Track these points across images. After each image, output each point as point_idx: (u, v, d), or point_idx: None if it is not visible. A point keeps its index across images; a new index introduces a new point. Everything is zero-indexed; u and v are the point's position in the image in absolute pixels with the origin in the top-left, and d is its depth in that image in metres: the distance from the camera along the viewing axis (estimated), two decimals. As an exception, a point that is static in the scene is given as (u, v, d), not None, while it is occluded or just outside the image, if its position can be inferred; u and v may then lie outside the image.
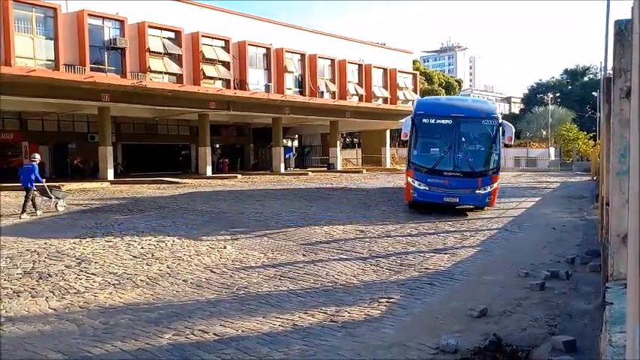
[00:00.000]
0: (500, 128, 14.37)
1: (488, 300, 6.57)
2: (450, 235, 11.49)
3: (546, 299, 6.64)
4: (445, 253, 9.51)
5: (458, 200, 14.37)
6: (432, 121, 14.66)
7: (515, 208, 16.79)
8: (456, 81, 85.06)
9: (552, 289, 7.05)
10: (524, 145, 56.83)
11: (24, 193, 14.90)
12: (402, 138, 15.40)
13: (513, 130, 14.91)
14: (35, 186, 15.02)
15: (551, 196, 21.17)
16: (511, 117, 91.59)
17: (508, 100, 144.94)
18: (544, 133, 64.40)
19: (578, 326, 5.48)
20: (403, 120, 15.70)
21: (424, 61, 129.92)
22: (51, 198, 15.72)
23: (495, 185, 14.56)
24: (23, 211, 14.47)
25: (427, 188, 14.26)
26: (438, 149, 14.73)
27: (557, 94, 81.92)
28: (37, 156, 16.42)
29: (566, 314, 5.92)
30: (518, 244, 10.74)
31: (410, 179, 14.67)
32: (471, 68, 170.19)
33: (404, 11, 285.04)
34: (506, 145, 14.77)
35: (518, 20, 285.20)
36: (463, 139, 14.61)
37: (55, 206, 15.53)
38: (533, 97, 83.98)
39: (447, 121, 14.54)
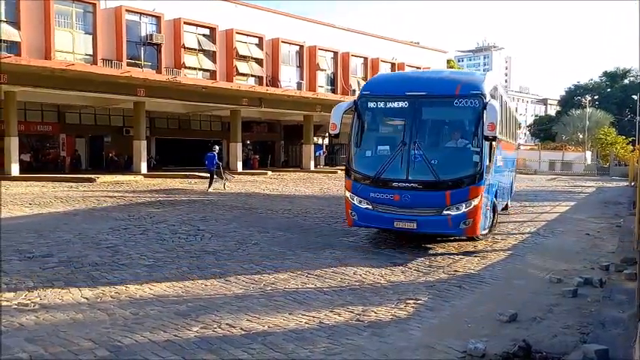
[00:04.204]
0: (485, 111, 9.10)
1: (518, 305, 6.45)
2: (480, 237, 11.31)
3: (579, 306, 6.49)
4: (475, 256, 9.38)
5: (415, 226, 9.32)
6: (381, 104, 9.93)
7: (548, 212, 16.45)
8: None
9: (585, 297, 6.88)
10: (559, 148, 55.67)
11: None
12: (330, 131, 10.02)
13: (498, 115, 9.03)
14: (214, 169, 20.49)
15: (587, 201, 20.68)
16: (547, 119, 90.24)
17: (544, 101, 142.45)
18: (580, 136, 63.07)
19: (611, 335, 5.34)
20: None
21: (459, 61, 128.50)
22: (222, 179, 20.68)
23: (477, 202, 9.19)
24: (210, 185, 20.37)
25: (370, 207, 9.61)
26: (388, 148, 9.97)
27: (596, 97, 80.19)
28: (217, 147, 21.95)
29: (599, 322, 5.76)
30: (550, 249, 10.51)
31: (348, 194, 10.00)
32: (506, 69, 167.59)
33: (439, 11, 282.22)
34: (486, 138, 9.04)
35: (557, 20, 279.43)
36: (425, 130, 9.75)
37: (224, 185, 20.70)
38: (571, 99, 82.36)
39: (401, 104, 9.69)
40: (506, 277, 8.04)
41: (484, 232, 10.40)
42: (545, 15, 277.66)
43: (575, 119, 65.30)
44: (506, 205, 15.17)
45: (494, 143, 9.69)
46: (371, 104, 9.95)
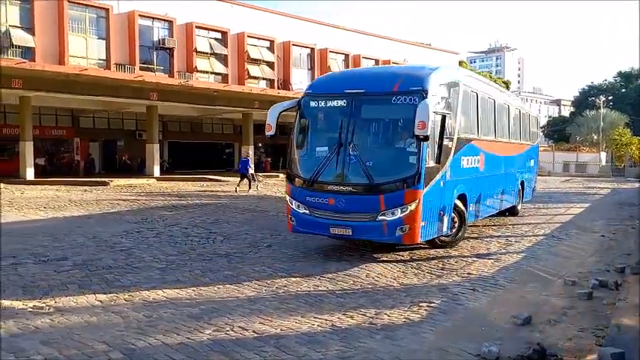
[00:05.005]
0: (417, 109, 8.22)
1: (532, 308, 6.40)
2: (493, 239, 11.25)
3: (594, 309, 6.43)
4: (489, 259, 9.32)
5: (350, 232, 8.85)
6: (322, 103, 9.42)
7: (563, 214, 16.30)
8: (504, 82, 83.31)
9: (600, 299, 6.81)
10: (573, 149, 55.16)
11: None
12: (266, 132, 9.72)
13: (429, 111, 7.97)
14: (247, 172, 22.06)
15: (601, 203, 20.47)
16: (561, 120, 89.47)
17: (558, 102, 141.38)
18: (595, 137, 62.43)
19: (627, 338, 5.27)
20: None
21: (471, 62, 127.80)
22: (254, 181, 22.62)
23: (414, 207, 8.42)
24: (240, 186, 21.87)
25: (307, 212, 9.13)
26: (326, 149, 9.25)
27: (610, 98, 79.40)
28: (250, 152, 24.95)
29: (615, 325, 5.70)
30: (565, 251, 10.42)
31: (288, 198, 9.63)
32: (519, 69, 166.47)
33: (452, 11, 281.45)
34: (417, 138, 8.14)
35: (570, 21, 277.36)
36: (362, 130, 9.22)
37: (256, 187, 22.62)
38: (585, 100, 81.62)
39: (340, 103, 9.19)
40: (520, 279, 7.98)
41: (446, 239, 9.94)
42: (558, 15, 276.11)
43: (590, 120, 64.66)
44: (514, 208, 14.61)
45: (448, 143, 9.17)
46: (312, 104, 9.53)
